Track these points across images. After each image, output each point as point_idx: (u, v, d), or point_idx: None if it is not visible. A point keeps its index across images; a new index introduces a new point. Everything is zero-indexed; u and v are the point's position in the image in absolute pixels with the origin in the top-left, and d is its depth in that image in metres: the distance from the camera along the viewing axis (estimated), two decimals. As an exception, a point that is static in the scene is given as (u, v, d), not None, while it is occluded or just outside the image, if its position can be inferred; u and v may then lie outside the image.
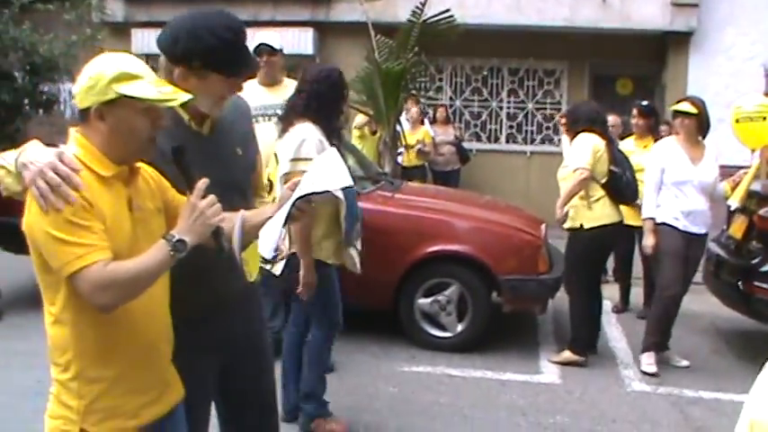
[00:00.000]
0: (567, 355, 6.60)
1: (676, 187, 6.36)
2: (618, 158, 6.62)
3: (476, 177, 13.25)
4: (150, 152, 2.43)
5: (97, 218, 2.25)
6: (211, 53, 2.65)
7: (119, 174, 2.37)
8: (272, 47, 5.98)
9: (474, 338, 6.81)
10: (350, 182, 2.70)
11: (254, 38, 5.68)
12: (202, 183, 2.40)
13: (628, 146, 7.95)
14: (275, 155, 4.75)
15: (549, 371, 6.47)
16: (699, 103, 6.45)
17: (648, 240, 6.42)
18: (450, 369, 6.35)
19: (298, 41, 13.30)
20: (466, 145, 13.42)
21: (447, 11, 9.19)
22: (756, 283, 6.57)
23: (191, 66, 2.66)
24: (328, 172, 2.68)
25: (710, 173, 6.41)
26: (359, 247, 5.02)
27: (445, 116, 12.97)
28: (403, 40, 9.24)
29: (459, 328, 6.80)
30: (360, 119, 10.75)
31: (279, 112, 5.35)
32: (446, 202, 7.80)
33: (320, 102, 4.73)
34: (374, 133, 10.89)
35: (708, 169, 6.40)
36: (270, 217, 2.65)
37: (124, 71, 2.31)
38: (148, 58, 2.82)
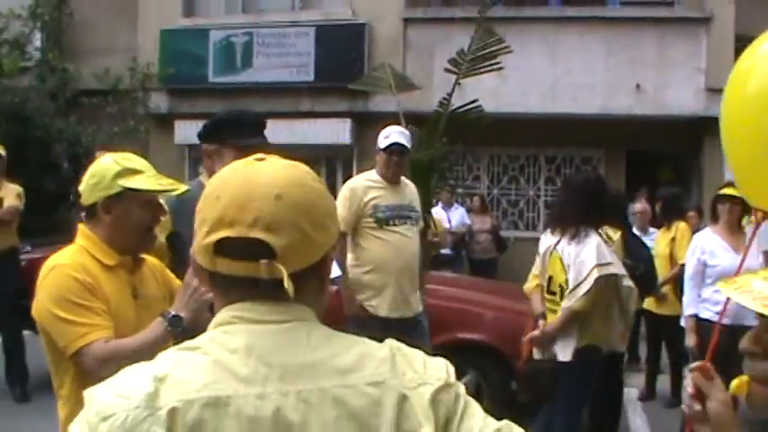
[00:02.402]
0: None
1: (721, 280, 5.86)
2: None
3: (514, 265, 13.14)
4: (150, 242, 2.61)
5: (100, 300, 2.40)
6: (218, 127, 3.12)
7: (122, 263, 2.54)
8: (406, 146, 5.65)
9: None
10: (337, 271, 2.78)
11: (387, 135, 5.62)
12: None
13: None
14: (560, 259, 5.05)
15: (566, 461, 6.33)
16: (741, 187, 6.18)
17: (690, 340, 6.16)
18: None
19: (336, 132, 13.58)
20: (503, 233, 13.42)
21: (475, 101, 9.29)
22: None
23: (211, 144, 3.15)
24: None
25: (755, 259, 5.93)
26: None
27: (481, 204, 12.99)
28: (431, 129, 9.33)
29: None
30: None
31: (411, 214, 5.54)
32: (466, 290, 7.80)
33: (602, 209, 5.22)
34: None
35: (752, 255, 5.78)
36: None
37: (126, 167, 2.50)
38: (191, 149, 3.18)
